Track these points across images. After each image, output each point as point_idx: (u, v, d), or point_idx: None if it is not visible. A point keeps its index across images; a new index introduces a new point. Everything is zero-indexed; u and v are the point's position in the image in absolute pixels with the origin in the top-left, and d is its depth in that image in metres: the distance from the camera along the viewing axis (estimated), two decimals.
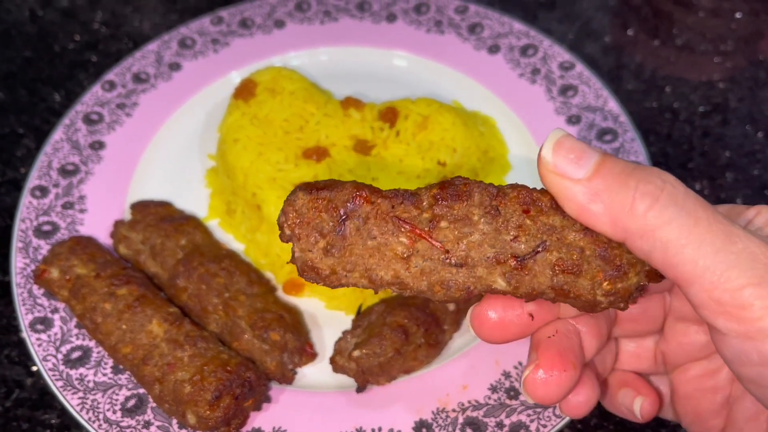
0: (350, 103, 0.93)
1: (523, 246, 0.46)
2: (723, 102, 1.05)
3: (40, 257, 0.85)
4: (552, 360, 0.51)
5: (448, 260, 0.45)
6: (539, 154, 0.46)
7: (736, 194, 0.94)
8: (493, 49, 1.07)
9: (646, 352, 0.61)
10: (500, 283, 0.46)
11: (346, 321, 0.82)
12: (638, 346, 0.61)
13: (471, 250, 0.45)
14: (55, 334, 0.80)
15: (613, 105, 0.98)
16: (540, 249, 0.45)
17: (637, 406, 0.59)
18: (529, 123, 0.98)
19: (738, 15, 1.17)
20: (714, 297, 0.41)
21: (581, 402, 0.55)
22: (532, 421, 0.72)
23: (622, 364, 0.62)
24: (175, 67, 1.07)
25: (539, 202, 0.46)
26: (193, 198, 0.94)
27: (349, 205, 0.46)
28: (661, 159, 0.98)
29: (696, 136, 1.01)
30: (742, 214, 0.50)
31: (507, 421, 0.72)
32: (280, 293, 0.86)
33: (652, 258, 0.43)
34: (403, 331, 0.75)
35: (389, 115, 0.90)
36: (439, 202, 0.45)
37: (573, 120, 0.97)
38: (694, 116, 1.04)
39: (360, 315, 0.80)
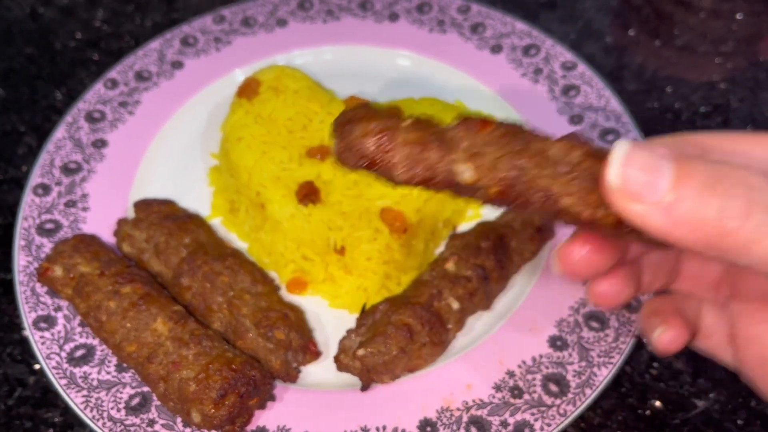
0: (354, 102, 0.93)
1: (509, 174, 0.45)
2: (724, 103, 1.06)
3: (42, 255, 0.85)
4: (590, 238, 0.49)
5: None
6: (604, 177, 0.40)
7: None
8: (496, 49, 1.07)
9: (710, 274, 0.57)
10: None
11: (349, 319, 0.82)
12: (702, 266, 0.56)
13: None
14: (59, 332, 0.79)
15: (615, 105, 0.98)
16: (517, 175, 0.46)
17: (656, 334, 0.56)
18: (531, 123, 0.99)
19: (739, 16, 1.17)
20: None
21: (613, 291, 0.53)
22: (536, 419, 0.72)
23: (680, 283, 0.59)
24: (177, 65, 1.07)
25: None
26: (196, 196, 0.94)
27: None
28: None
29: None
30: None
31: (511, 420, 0.72)
32: (284, 292, 0.86)
33: (754, 269, 0.39)
34: (408, 330, 0.75)
35: None
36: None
37: (575, 120, 0.98)
38: (695, 117, 1.04)
39: (364, 313, 0.80)
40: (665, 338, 0.56)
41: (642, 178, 0.38)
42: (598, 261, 0.50)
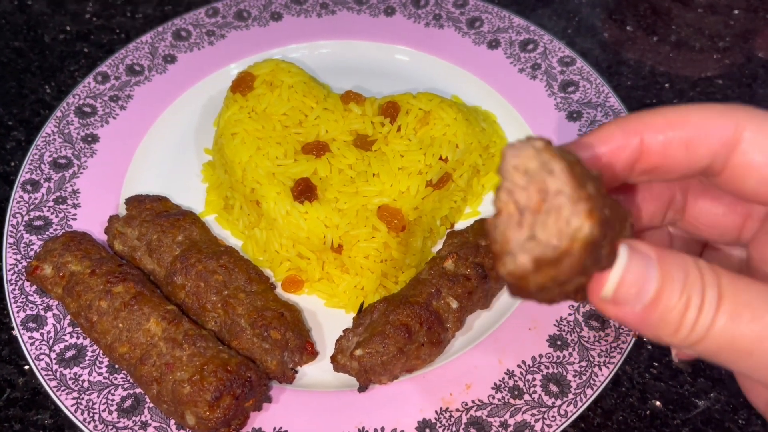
0: (350, 97, 0.91)
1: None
2: (721, 98, 1.05)
3: (31, 253, 0.83)
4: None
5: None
6: (600, 287, 0.42)
7: None
8: (493, 44, 1.06)
9: (724, 218, 0.53)
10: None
11: (346, 319, 0.81)
12: (713, 207, 0.54)
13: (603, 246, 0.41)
14: (48, 332, 0.78)
15: (614, 101, 0.97)
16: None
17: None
18: (529, 119, 0.98)
19: (735, 11, 1.17)
20: None
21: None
22: (536, 420, 0.71)
23: (689, 221, 0.55)
24: (170, 59, 1.05)
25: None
26: (190, 193, 0.93)
27: None
28: None
29: None
30: None
31: (511, 421, 0.71)
32: (279, 291, 0.84)
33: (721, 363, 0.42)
34: (406, 330, 0.73)
35: (390, 109, 0.89)
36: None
37: (574, 116, 0.97)
38: None
39: (361, 313, 0.78)
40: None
41: (633, 291, 0.42)
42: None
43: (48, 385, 0.74)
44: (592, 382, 0.73)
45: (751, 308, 0.40)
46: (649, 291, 0.42)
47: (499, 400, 0.73)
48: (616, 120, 0.48)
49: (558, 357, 0.75)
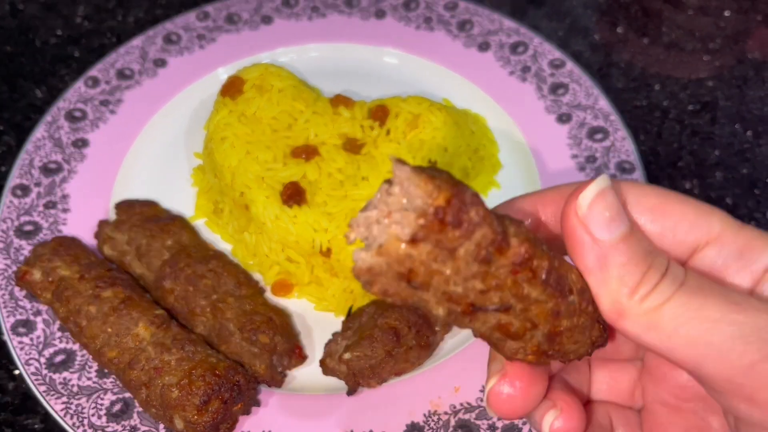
0: (340, 101, 0.91)
1: (486, 301, 0.41)
2: (712, 100, 1.05)
3: (21, 258, 0.83)
4: (519, 371, 0.47)
5: (408, 281, 0.39)
6: (576, 196, 0.42)
7: (726, 193, 0.94)
8: (483, 47, 1.06)
9: (622, 383, 0.55)
10: (439, 312, 0.41)
11: (335, 323, 0.81)
12: (613, 376, 0.55)
13: (433, 278, 0.39)
14: (38, 337, 0.78)
15: (603, 103, 0.97)
16: (500, 309, 0.41)
17: (548, 421, 0.49)
18: (519, 121, 0.98)
19: (726, 13, 1.17)
20: (725, 377, 0.39)
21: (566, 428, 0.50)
22: (524, 423, 0.71)
23: (596, 393, 0.55)
24: (160, 63, 1.05)
25: (536, 266, 0.41)
26: (180, 197, 0.93)
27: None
28: (651, 158, 0.98)
29: (685, 134, 1.01)
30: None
31: (499, 424, 0.71)
32: (269, 295, 0.84)
33: (643, 340, 0.41)
34: (395, 333, 0.74)
35: (379, 113, 0.89)
36: (437, 217, 0.37)
37: (563, 118, 0.97)
38: (683, 115, 1.04)
39: (350, 317, 0.79)
40: (559, 424, 0.49)
41: (606, 213, 0.41)
42: (530, 395, 0.48)
43: (37, 390, 0.74)
44: None
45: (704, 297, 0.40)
46: (621, 227, 0.41)
47: None
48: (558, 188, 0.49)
49: None
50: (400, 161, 0.38)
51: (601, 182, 0.42)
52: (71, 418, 0.72)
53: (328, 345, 0.76)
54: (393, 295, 0.39)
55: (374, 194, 0.39)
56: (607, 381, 0.55)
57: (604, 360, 0.55)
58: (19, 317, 0.79)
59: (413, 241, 0.37)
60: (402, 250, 0.37)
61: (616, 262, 0.41)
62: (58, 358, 0.76)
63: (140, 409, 0.73)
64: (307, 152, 0.86)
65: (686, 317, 0.39)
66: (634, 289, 0.41)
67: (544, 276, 0.41)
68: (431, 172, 0.38)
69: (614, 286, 0.41)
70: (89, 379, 0.75)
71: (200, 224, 0.90)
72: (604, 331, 0.47)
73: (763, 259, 0.44)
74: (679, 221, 0.46)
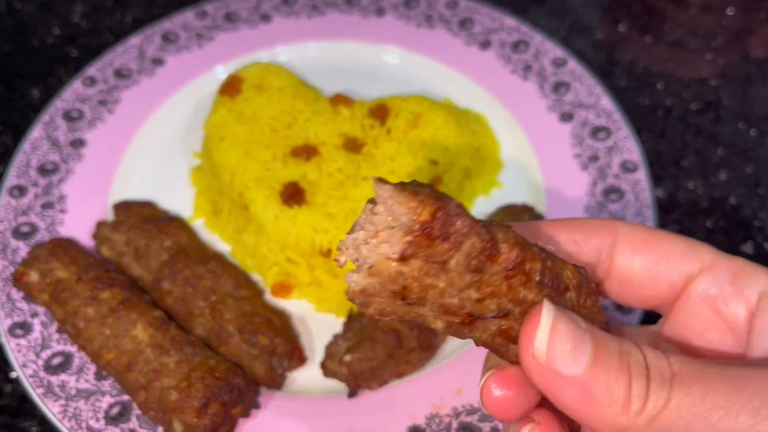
0: (340, 100, 0.91)
1: (484, 309, 0.40)
2: (715, 99, 1.04)
3: (18, 259, 0.83)
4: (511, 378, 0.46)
5: (403, 298, 0.39)
6: (527, 346, 0.39)
7: (730, 193, 0.94)
8: (485, 45, 1.05)
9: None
10: (438, 325, 0.41)
11: (336, 324, 0.81)
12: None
13: (428, 292, 0.39)
14: (35, 339, 0.77)
15: (606, 102, 0.96)
16: (499, 315, 0.41)
17: None
18: (521, 120, 0.97)
19: (730, 11, 1.16)
20: None
21: None
22: None
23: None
24: (158, 62, 1.04)
25: (529, 269, 0.41)
26: (178, 197, 0.92)
27: None
28: (654, 157, 0.97)
29: (689, 133, 1.00)
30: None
31: (501, 426, 0.70)
32: (268, 296, 0.83)
33: None
34: (396, 335, 0.73)
35: (380, 112, 0.88)
36: (424, 232, 0.37)
37: (565, 117, 0.96)
38: (686, 114, 1.03)
39: (351, 318, 0.78)
40: None
41: (566, 346, 0.39)
42: (521, 399, 0.47)
43: (35, 393, 0.73)
44: None
45: (703, 383, 0.38)
46: (587, 351, 0.39)
47: None
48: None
49: None
50: (381, 180, 0.38)
51: (546, 317, 0.39)
52: (69, 421, 0.71)
53: (328, 347, 0.76)
54: (390, 314, 0.39)
55: (359, 216, 0.39)
56: None
57: None
58: (16, 319, 0.78)
59: (403, 258, 0.37)
60: (393, 268, 0.37)
61: (599, 389, 0.38)
62: (56, 361, 0.75)
63: (139, 412, 0.72)
64: (307, 152, 0.85)
65: (693, 415, 0.38)
66: (626, 405, 0.38)
67: (538, 277, 0.41)
68: (413, 188, 0.37)
69: (607, 412, 0.38)
70: (87, 381, 0.74)
71: (199, 225, 0.90)
72: (605, 325, 0.47)
73: (755, 284, 0.45)
74: (670, 253, 0.46)
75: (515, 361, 0.45)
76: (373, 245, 0.37)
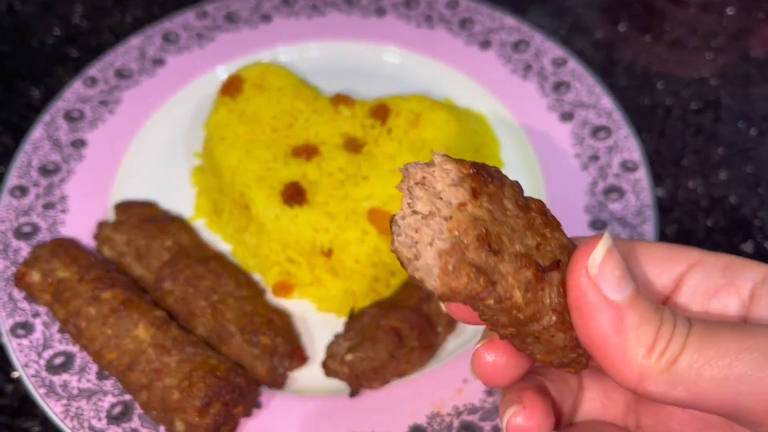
0: (340, 99, 0.91)
1: (544, 256, 0.41)
2: (715, 99, 1.05)
3: (20, 259, 0.83)
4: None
5: (489, 244, 0.39)
6: (582, 258, 0.40)
7: (730, 192, 0.94)
8: (485, 45, 1.05)
9: (617, 403, 0.53)
10: (517, 296, 0.40)
11: (337, 324, 0.81)
12: (607, 394, 0.53)
13: (502, 236, 0.40)
14: (37, 339, 0.77)
15: (606, 102, 0.96)
16: (553, 267, 0.41)
17: (507, 416, 0.47)
18: (521, 120, 0.97)
19: (729, 11, 1.16)
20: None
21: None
22: None
23: (589, 411, 0.53)
24: (158, 62, 1.04)
25: (553, 219, 0.43)
26: (179, 197, 0.92)
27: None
28: (654, 157, 0.97)
29: (689, 133, 1.00)
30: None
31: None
32: (270, 296, 0.83)
33: (671, 398, 0.40)
34: (397, 334, 0.73)
35: (380, 112, 0.88)
36: (476, 168, 0.40)
37: (566, 117, 0.96)
38: (686, 113, 1.03)
39: (352, 318, 0.78)
40: (519, 422, 0.47)
41: (616, 272, 0.40)
42: (510, 367, 0.47)
43: (37, 393, 0.73)
44: None
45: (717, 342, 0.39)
46: (630, 284, 0.40)
47: (491, 404, 0.72)
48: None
49: None
50: (409, 166, 0.41)
51: (607, 241, 0.40)
52: (71, 420, 0.71)
53: (329, 346, 0.76)
54: (476, 278, 0.38)
55: (394, 223, 0.40)
56: (600, 398, 0.54)
57: (598, 377, 0.53)
58: (18, 319, 0.78)
59: (474, 194, 0.38)
60: (469, 212, 0.38)
61: (631, 324, 0.39)
62: (58, 360, 0.75)
63: (141, 412, 0.72)
64: (307, 151, 0.85)
65: (705, 359, 0.38)
66: (651, 348, 0.39)
67: (554, 221, 0.43)
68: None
69: (632, 351, 0.39)
70: (89, 381, 0.74)
71: (200, 225, 0.90)
72: None
73: (748, 274, 0.45)
74: (655, 257, 0.47)
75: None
76: (440, 203, 0.39)
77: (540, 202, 0.43)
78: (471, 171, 0.39)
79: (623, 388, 0.41)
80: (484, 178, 0.39)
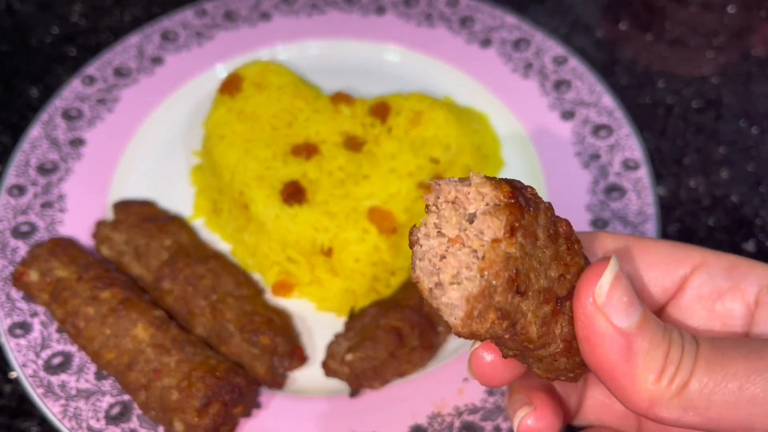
0: (340, 98, 0.90)
1: (562, 288, 0.40)
2: (716, 97, 1.04)
3: (18, 259, 0.82)
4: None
5: (517, 288, 0.37)
6: (588, 285, 0.39)
7: (731, 191, 0.93)
8: (485, 43, 1.05)
9: (617, 405, 0.52)
10: (532, 331, 0.39)
11: (337, 323, 0.80)
12: (608, 395, 0.53)
13: (530, 274, 0.37)
14: (35, 338, 0.77)
15: (607, 100, 0.96)
16: (570, 296, 0.40)
17: (518, 418, 0.48)
18: (522, 119, 0.97)
19: (730, 9, 1.16)
20: None
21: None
22: None
23: (589, 411, 0.54)
24: (157, 61, 1.03)
25: (577, 242, 0.41)
26: (178, 196, 0.91)
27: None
28: (655, 155, 0.97)
29: (690, 131, 1.00)
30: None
31: (504, 425, 0.70)
32: (269, 295, 0.83)
33: (684, 423, 0.39)
34: (398, 334, 0.73)
35: (380, 110, 0.88)
36: (515, 200, 0.37)
37: (567, 115, 0.96)
38: (687, 112, 1.03)
39: (352, 317, 0.77)
40: (530, 424, 0.48)
41: (624, 298, 0.39)
42: (508, 367, 0.47)
43: (35, 393, 0.73)
44: None
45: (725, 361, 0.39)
46: (638, 310, 0.39)
47: (492, 404, 0.72)
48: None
49: None
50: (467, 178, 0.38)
51: (614, 267, 0.40)
52: (69, 420, 0.71)
53: (329, 346, 0.75)
54: (500, 323, 0.37)
55: (415, 240, 0.38)
56: (600, 399, 0.54)
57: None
58: (15, 319, 0.78)
59: (511, 232, 0.36)
60: (503, 250, 0.36)
61: (640, 350, 0.39)
62: (56, 360, 0.75)
63: (139, 412, 0.72)
64: (307, 150, 0.85)
65: (715, 382, 0.38)
66: (661, 373, 0.39)
67: (577, 245, 0.41)
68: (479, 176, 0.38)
69: (642, 378, 0.39)
70: (87, 381, 0.74)
71: (199, 224, 0.89)
72: None
73: (752, 277, 0.44)
74: (659, 257, 0.46)
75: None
76: (471, 231, 0.36)
77: (567, 224, 0.41)
78: (509, 200, 0.36)
79: (634, 413, 0.41)
80: (521, 207, 0.36)
